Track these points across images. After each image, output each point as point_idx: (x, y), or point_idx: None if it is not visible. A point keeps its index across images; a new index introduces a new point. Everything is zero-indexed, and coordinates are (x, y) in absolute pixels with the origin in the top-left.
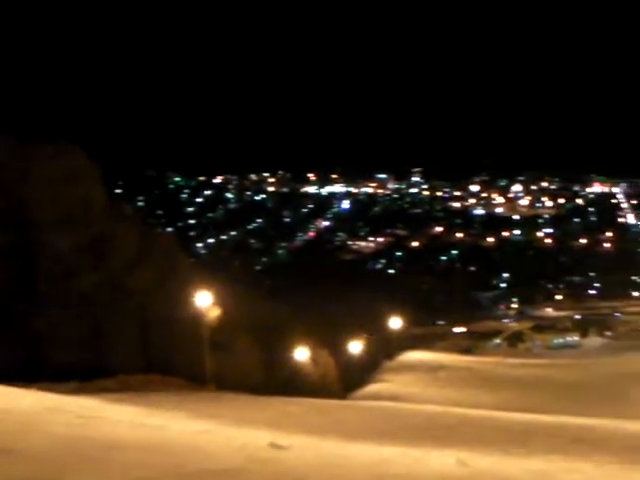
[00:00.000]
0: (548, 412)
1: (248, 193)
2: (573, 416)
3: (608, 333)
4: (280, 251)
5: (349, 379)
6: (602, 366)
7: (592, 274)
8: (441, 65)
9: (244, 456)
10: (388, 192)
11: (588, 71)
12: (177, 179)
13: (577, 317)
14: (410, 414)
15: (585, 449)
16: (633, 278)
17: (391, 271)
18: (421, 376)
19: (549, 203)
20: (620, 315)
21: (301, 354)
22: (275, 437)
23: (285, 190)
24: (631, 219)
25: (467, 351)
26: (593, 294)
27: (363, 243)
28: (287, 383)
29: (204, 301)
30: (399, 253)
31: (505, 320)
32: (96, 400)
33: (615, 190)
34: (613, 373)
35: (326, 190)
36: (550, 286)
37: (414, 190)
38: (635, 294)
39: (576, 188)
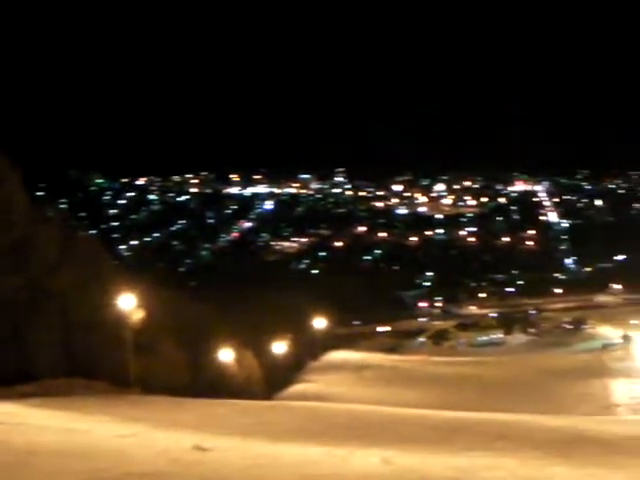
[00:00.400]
0: (473, 409)
1: (171, 195)
2: (498, 413)
3: (532, 330)
4: (204, 252)
5: (274, 380)
6: (526, 362)
7: (515, 272)
8: (360, 66)
9: (167, 459)
10: (311, 192)
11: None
12: (100, 181)
13: (501, 315)
14: (335, 414)
15: (509, 445)
16: (555, 275)
17: (315, 271)
18: (346, 376)
19: (472, 202)
20: (536, 312)
21: (226, 355)
22: (200, 439)
23: (208, 191)
24: (553, 217)
25: (392, 350)
26: (516, 292)
27: (286, 243)
28: (212, 385)
29: (128, 303)
30: (323, 253)
31: (422, 319)
32: (17, 405)
33: (537, 188)
34: (537, 369)
35: (249, 191)
36: (474, 284)
37: (337, 190)
38: (557, 291)
39: (499, 187)
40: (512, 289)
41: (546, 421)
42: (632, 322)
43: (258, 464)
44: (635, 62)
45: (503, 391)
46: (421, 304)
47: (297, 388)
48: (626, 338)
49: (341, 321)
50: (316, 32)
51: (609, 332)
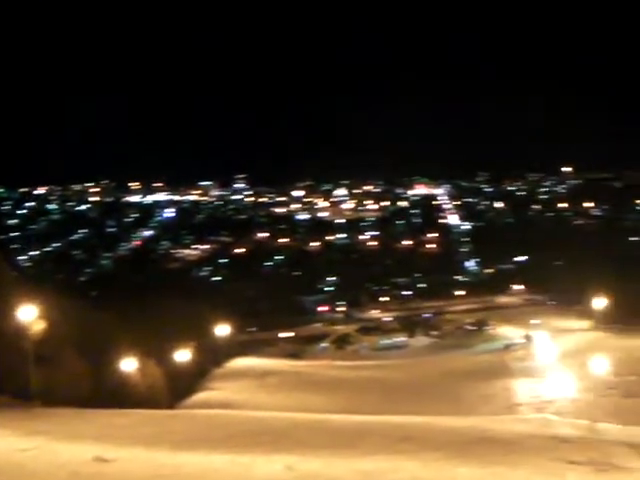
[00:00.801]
0: (377, 413)
1: (71, 204)
2: (401, 415)
3: (434, 332)
4: (104, 261)
5: (178, 388)
6: (429, 365)
7: (417, 275)
8: (242, 70)
9: (68, 472)
10: (212, 199)
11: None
12: None
13: (403, 318)
14: (239, 421)
15: (412, 447)
16: (456, 277)
17: (217, 278)
18: (250, 382)
19: (373, 206)
20: (432, 315)
21: (128, 365)
22: (101, 450)
23: (109, 200)
24: (454, 220)
25: (295, 356)
26: (418, 295)
27: (188, 251)
28: (115, 395)
29: (28, 314)
30: (224, 260)
31: (324, 324)
32: None
33: (437, 191)
34: (440, 371)
35: (150, 199)
36: (376, 288)
37: (238, 197)
38: (459, 293)
39: (399, 190)
40: (414, 292)
41: (449, 422)
42: (533, 322)
43: (160, 474)
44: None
45: (406, 394)
46: (323, 309)
47: (201, 396)
48: (527, 338)
49: (244, 328)
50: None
51: (510, 332)
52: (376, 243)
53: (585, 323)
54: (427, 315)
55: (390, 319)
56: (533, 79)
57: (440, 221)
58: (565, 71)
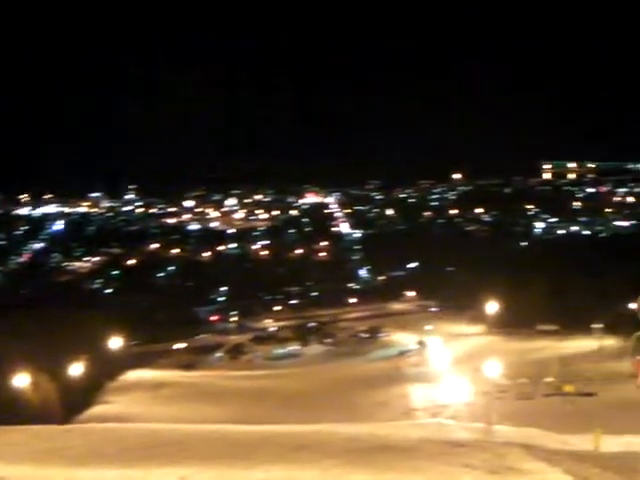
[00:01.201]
0: (273, 422)
1: None
2: (298, 424)
3: (328, 340)
4: None
5: (72, 403)
6: (324, 373)
7: (309, 283)
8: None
9: None
10: (102, 211)
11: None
12: None
13: (297, 326)
14: (134, 434)
15: (310, 456)
16: (349, 285)
17: (108, 290)
18: (144, 395)
19: (264, 215)
20: (314, 324)
21: (20, 380)
22: None
23: None
24: (345, 228)
25: (189, 367)
26: (311, 303)
27: (78, 263)
28: (7, 410)
29: None
30: (116, 272)
31: (218, 335)
32: None
33: (328, 200)
34: (335, 379)
35: (40, 211)
36: (268, 297)
37: (129, 208)
38: (352, 301)
39: (290, 199)
40: (307, 300)
41: (346, 430)
42: (426, 328)
43: None
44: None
45: (302, 402)
46: (216, 319)
47: (96, 410)
48: (421, 344)
49: (137, 339)
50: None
51: (404, 339)
52: (267, 252)
53: (477, 328)
54: (312, 324)
55: (275, 328)
56: (423, 84)
57: (332, 229)
58: (454, 76)
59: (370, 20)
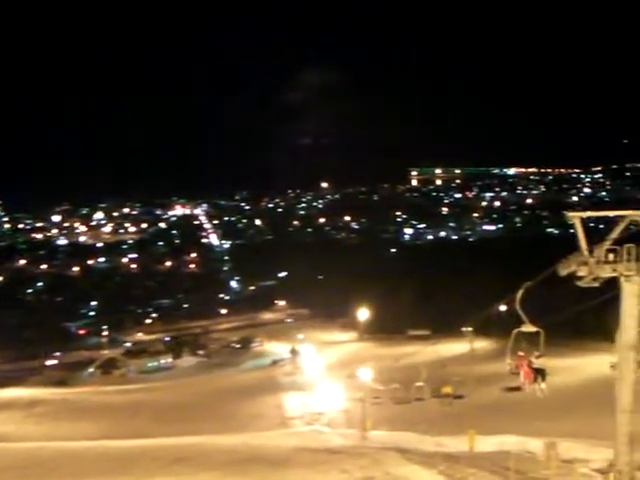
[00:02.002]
0: (149, 436)
1: None
2: (175, 437)
3: (201, 352)
4: None
5: None
6: (198, 385)
7: (180, 296)
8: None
9: None
10: None
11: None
12: None
13: (168, 339)
14: (5, 454)
15: (188, 468)
16: (220, 296)
17: None
18: (18, 413)
19: (132, 228)
20: (203, 334)
21: None
22: None
23: None
24: (214, 239)
25: (62, 383)
26: (182, 315)
27: None
28: None
29: None
30: None
31: (82, 349)
32: None
33: (197, 211)
34: (210, 391)
35: None
36: (139, 311)
37: None
38: (224, 312)
39: (159, 212)
40: (178, 313)
41: (223, 441)
42: (298, 336)
43: None
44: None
45: (177, 415)
46: (87, 334)
47: None
48: (294, 352)
49: (7, 357)
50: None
51: (277, 348)
52: (137, 265)
53: (349, 335)
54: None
55: (158, 340)
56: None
57: (201, 241)
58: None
59: None
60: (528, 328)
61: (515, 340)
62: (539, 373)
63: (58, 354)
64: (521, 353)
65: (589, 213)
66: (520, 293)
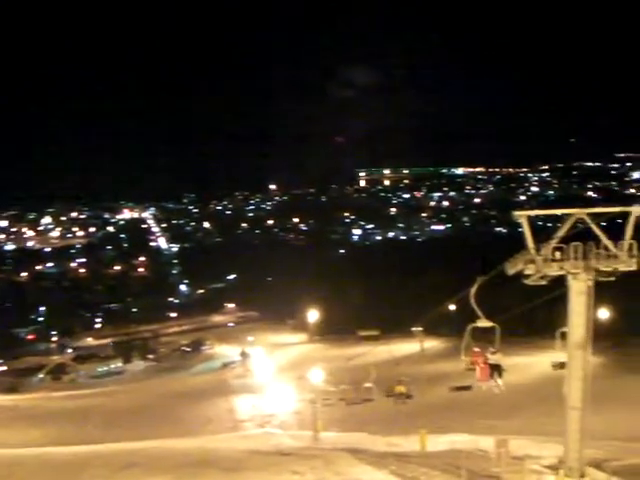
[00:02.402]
0: (100, 441)
1: None
2: (126, 442)
3: (151, 356)
4: None
5: None
6: (149, 389)
7: (129, 299)
8: None
9: None
10: None
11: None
12: None
13: (118, 343)
14: None
15: (140, 473)
16: (170, 299)
17: None
18: None
19: (80, 233)
20: (153, 338)
21: None
22: None
23: None
24: (162, 242)
25: (11, 390)
26: (132, 319)
27: None
28: None
29: None
30: None
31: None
32: None
33: (145, 215)
34: (161, 395)
35: None
36: (88, 315)
37: None
38: (173, 315)
39: (107, 216)
40: (127, 317)
41: (175, 445)
42: (248, 339)
43: None
44: None
45: (128, 419)
46: (36, 339)
47: None
48: (244, 355)
49: None
50: None
51: (227, 351)
52: (85, 270)
53: (299, 336)
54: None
55: (107, 345)
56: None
57: (149, 244)
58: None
59: None
60: (483, 323)
61: (469, 336)
62: (495, 369)
63: (7, 360)
64: (477, 349)
65: (536, 212)
66: (475, 288)
